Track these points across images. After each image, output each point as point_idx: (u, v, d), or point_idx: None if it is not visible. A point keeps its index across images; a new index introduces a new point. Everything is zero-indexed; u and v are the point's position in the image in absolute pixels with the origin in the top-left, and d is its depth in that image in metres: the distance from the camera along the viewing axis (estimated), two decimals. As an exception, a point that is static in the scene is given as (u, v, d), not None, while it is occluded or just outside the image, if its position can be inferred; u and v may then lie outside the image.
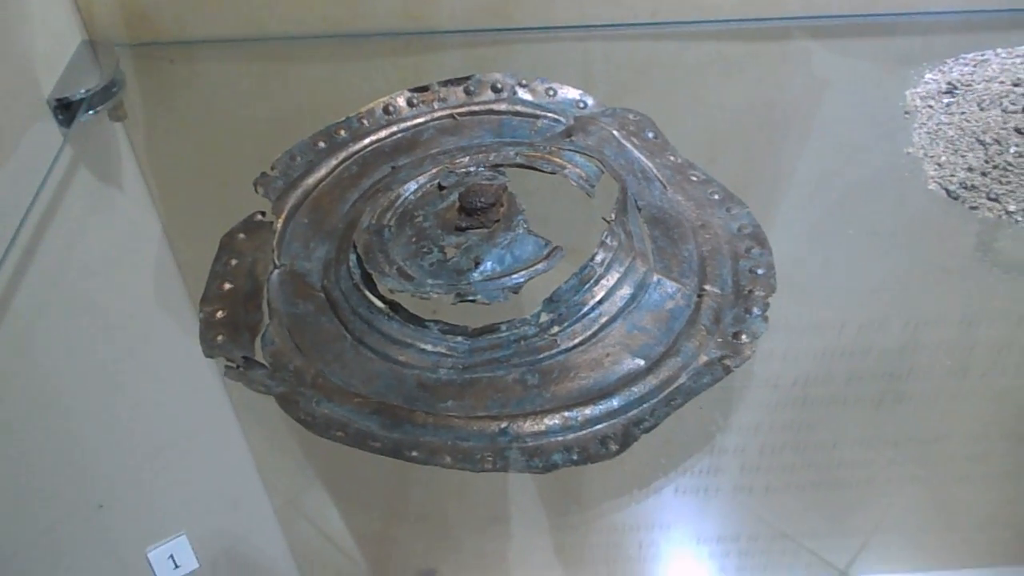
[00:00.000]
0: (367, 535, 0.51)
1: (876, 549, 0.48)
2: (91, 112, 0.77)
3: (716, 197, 0.65)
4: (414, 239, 0.58)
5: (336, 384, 0.53)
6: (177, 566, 0.45)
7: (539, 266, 0.55)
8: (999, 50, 0.76)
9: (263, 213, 0.64)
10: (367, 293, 0.56)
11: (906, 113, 0.73)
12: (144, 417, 0.56)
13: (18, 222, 0.67)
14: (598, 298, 0.55)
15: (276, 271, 0.60)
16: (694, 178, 0.66)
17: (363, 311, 0.56)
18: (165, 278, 0.66)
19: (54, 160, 0.73)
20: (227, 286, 0.60)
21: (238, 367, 0.54)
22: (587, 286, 0.55)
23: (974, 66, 0.74)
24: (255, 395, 0.53)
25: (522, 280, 0.55)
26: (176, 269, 0.66)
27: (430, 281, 0.55)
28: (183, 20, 0.84)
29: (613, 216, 0.57)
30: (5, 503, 0.51)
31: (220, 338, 0.56)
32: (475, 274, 0.55)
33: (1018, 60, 0.74)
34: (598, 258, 0.55)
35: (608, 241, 0.56)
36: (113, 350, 0.60)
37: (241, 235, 0.63)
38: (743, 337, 0.54)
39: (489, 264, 0.56)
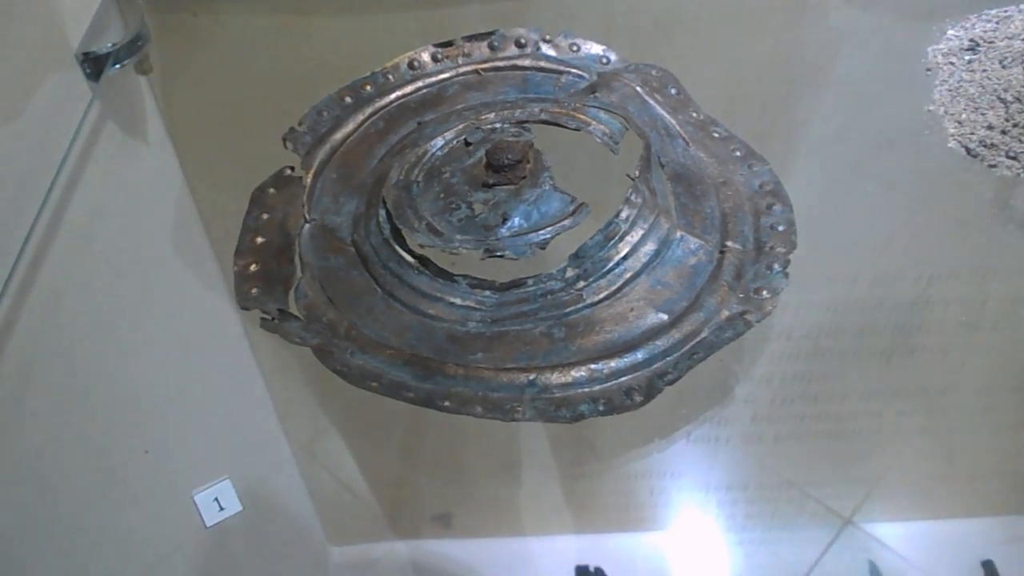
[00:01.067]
0: (384, 481, 0.53)
1: (881, 498, 0.50)
2: (117, 66, 0.78)
3: (738, 154, 0.65)
4: (442, 195, 0.60)
5: (368, 336, 0.55)
6: (222, 508, 0.48)
7: (565, 222, 0.57)
8: (1023, 6, 0.76)
9: (292, 168, 0.66)
10: (397, 248, 0.58)
11: (927, 70, 0.73)
12: (173, 366, 0.58)
13: (52, 175, 0.68)
14: (623, 254, 0.56)
15: (307, 225, 0.62)
16: (716, 135, 0.67)
17: (393, 265, 0.57)
18: (191, 231, 0.67)
19: (84, 113, 0.74)
20: (259, 240, 0.61)
21: (273, 319, 0.56)
22: (612, 242, 0.56)
23: (997, 23, 0.74)
24: (276, 345, 0.55)
25: (549, 236, 0.56)
26: (201, 223, 0.68)
27: (459, 237, 0.57)
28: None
29: (637, 173, 0.58)
30: (57, 451, 0.53)
31: (255, 291, 0.58)
32: (503, 230, 0.56)
33: (1041, 17, 0.74)
34: (623, 215, 0.57)
35: (633, 198, 0.57)
36: (142, 301, 0.62)
37: (271, 190, 0.64)
38: (764, 293, 0.55)
39: (516, 220, 0.57)
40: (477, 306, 0.56)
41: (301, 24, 0.85)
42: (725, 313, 0.54)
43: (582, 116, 0.64)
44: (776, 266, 0.57)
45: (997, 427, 0.54)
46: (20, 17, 0.69)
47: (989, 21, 0.75)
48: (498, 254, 0.56)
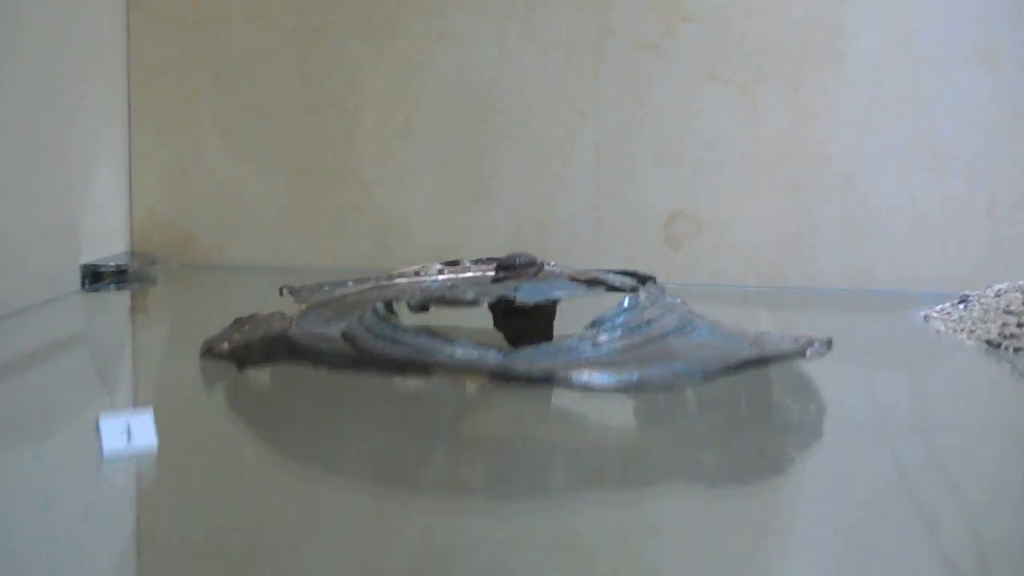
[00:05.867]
0: None
1: None
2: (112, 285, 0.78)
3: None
4: (449, 287, 0.56)
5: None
6: None
7: (579, 291, 0.53)
8: (986, 290, 0.75)
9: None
10: (394, 320, 0.53)
11: (925, 317, 0.74)
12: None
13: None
14: (650, 318, 0.52)
15: (292, 330, 0.56)
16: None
17: (388, 331, 0.52)
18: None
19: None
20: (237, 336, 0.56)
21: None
22: (636, 308, 0.52)
23: (978, 300, 0.75)
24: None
25: (563, 294, 0.52)
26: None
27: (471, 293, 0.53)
28: (222, 247, 0.89)
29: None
30: None
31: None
32: (516, 293, 0.52)
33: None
34: (642, 296, 0.53)
35: (650, 288, 0.54)
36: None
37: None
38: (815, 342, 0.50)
39: (528, 288, 0.53)
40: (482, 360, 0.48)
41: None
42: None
43: (595, 276, 0.63)
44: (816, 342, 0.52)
45: None
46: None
47: (963, 301, 0.75)
48: (510, 296, 0.51)
